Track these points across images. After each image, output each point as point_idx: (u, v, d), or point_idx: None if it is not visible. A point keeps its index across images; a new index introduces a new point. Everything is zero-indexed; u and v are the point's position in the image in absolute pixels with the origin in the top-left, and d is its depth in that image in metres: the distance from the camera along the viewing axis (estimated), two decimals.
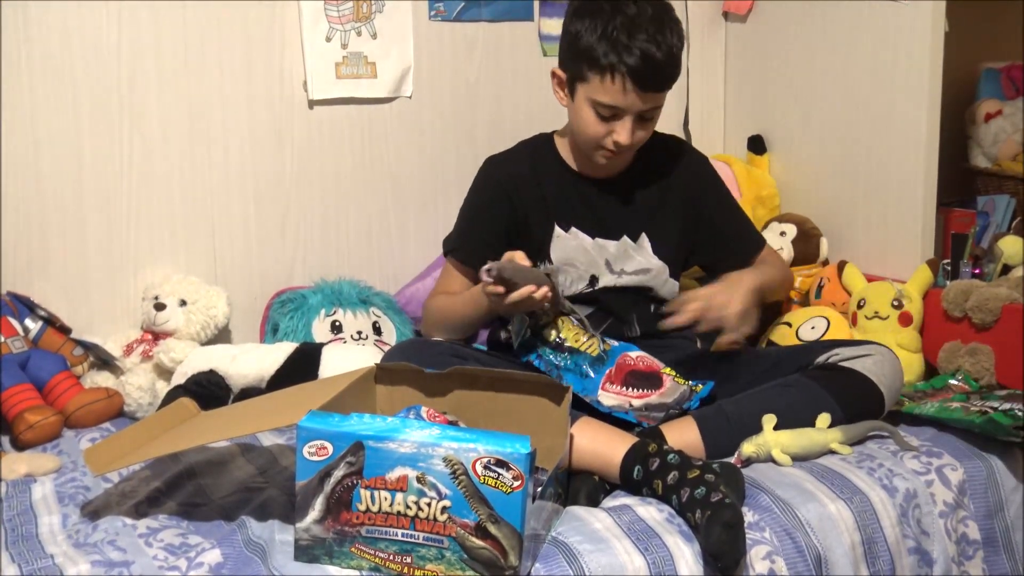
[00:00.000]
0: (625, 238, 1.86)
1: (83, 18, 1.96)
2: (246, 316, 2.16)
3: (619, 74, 1.69)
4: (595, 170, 1.86)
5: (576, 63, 1.75)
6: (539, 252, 1.84)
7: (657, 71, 1.70)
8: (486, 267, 1.56)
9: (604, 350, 1.75)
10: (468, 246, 1.89)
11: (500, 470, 1.22)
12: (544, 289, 1.62)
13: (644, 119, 1.76)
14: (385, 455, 1.24)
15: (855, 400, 1.66)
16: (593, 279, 1.86)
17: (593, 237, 1.85)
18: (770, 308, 2.18)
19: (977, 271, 2.16)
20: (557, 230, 1.86)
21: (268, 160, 2.16)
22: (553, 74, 1.83)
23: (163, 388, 1.90)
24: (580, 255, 1.86)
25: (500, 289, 1.59)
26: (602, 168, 1.84)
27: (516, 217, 1.87)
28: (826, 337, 2.00)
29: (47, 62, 1.95)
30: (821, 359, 1.72)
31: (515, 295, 1.60)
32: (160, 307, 2.01)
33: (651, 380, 1.73)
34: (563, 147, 1.91)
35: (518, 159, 1.92)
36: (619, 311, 1.88)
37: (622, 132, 1.74)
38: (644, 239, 1.87)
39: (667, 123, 2.50)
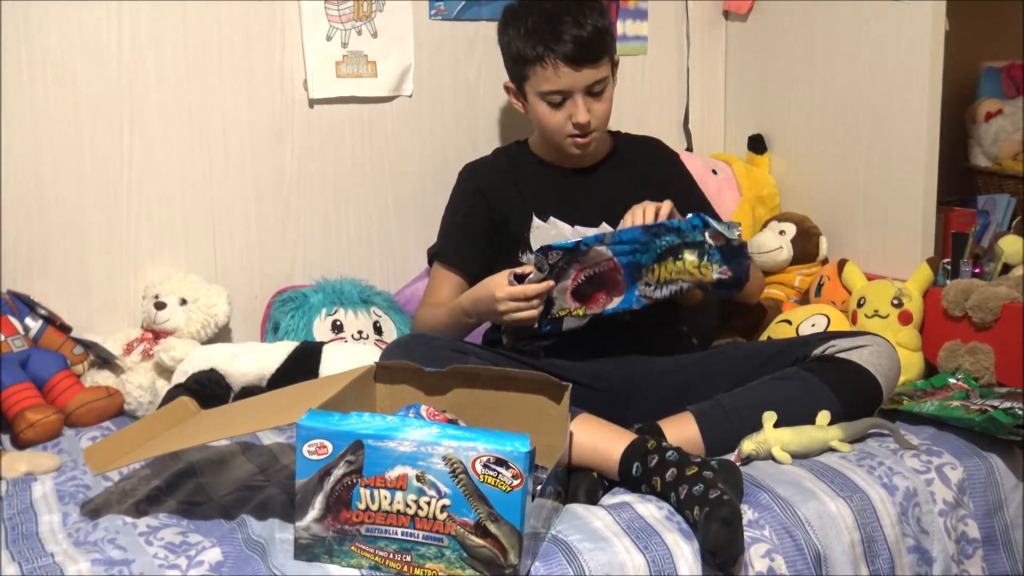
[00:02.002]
0: (604, 224, 1.90)
1: (83, 17, 1.97)
2: (247, 315, 2.16)
3: (550, 60, 1.82)
4: (570, 161, 1.95)
5: (517, 66, 1.90)
6: (519, 244, 1.90)
7: (583, 46, 1.82)
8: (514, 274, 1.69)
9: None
10: (451, 248, 1.98)
11: (499, 468, 1.22)
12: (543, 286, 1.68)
13: (594, 94, 1.87)
14: (385, 454, 1.25)
15: (853, 391, 1.66)
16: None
17: (572, 224, 1.90)
18: (752, 314, 2.20)
19: (977, 270, 2.16)
20: (536, 220, 1.93)
21: (269, 159, 2.16)
22: (506, 88, 1.97)
23: (163, 387, 1.90)
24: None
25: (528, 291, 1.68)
26: (578, 158, 1.93)
27: (494, 216, 1.95)
28: None
29: (47, 61, 1.95)
30: (818, 351, 1.72)
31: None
32: (160, 306, 2.01)
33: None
34: (537, 146, 2.02)
35: (492, 163, 2.04)
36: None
37: (577, 111, 1.85)
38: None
39: (668, 122, 2.52)
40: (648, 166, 2.01)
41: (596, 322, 1.83)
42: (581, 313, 1.74)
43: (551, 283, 1.69)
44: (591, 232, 1.85)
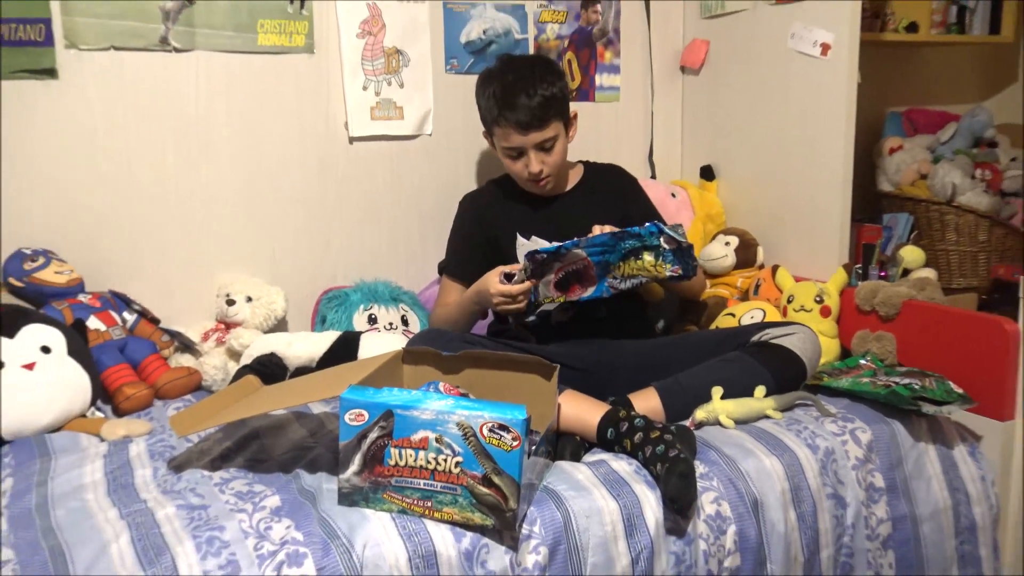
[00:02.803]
0: (577, 239, 1.89)
1: (168, 70, 1.97)
2: (300, 310, 2.16)
3: (504, 125, 1.83)
4: (545, 191, 1.94)
5: (485, 124, 1.91)
6: (509, 258, 1.90)
7: (530, 114, 1.80)
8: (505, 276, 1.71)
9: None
10: (455, 264, 2.00)
11: (502, 432, 1.22)
12: (525, 286, 1.71)
13: (544, 149, 1.86)
14: (410, 421, 1.25)
15: (783, 369, 1.66)
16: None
17: (550, 241, 1.90)
18: (703, 309, 2.20)
19: (883, 274, 2.17)
20: (520, 239, 1.93)
21: (316, 185, 2.16)
22: (484, 135, 1.97)
23: (233, 367, 1.90)
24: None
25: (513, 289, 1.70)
26: (544, 192, 1.93)
27: (487, 235, 1.96)
28: None
29: (139, 106, 1.96)
30: (756, 338, 1.72)
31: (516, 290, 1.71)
32: (231, 303, 2.02)
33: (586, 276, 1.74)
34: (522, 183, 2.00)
35: (486, 192, 2.04)
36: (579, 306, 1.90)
37: (530, 162, 1.85)
38: None
39: (636, 155, 2.53)
40: (611, 189, 2.01)
41: (579, 316, 1.84)
42: (561, 300, 1.74)
43: (532, 282, 1.70)
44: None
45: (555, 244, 1.69)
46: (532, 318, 1.77)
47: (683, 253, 1.67)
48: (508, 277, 1.72)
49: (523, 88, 1.80)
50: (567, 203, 1.97)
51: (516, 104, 1.80)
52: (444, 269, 2.03)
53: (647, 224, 1.68)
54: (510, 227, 1.95)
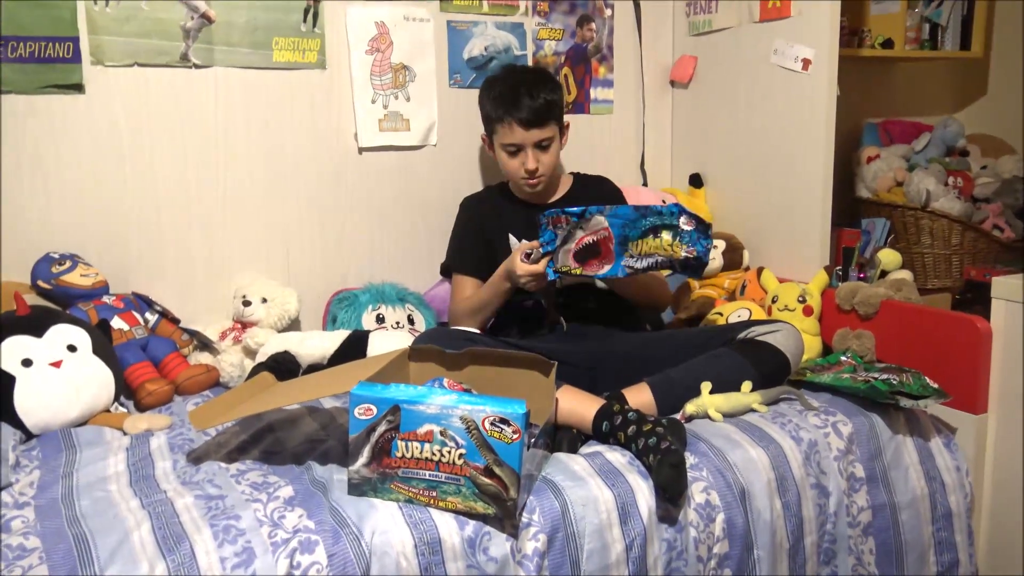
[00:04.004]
0: (602, 206, 1.87)
1: (189, 84, 1.96)
2: (312, 310, 2.15)
3: (507, 120, 1.87)
4: (536, 197, 1.96)
5: (488, 123, 1.94)
6: (500, 256, 1.89)
7: (534, 113, 1.85)
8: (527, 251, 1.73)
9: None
10: (465, 260, 2.00)
11: (503, 426, 1.21)
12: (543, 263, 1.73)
13: (542, 147, 1.89)
14: (416, 415, 1.24)
15: (768, 364, 1.65)
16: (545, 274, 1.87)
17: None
18: (693, 308, 2.18)
19: (862, 275, 2.16)
20: (512, 240, 1.94)
21: (328, 192, 2.15)
22: (482, 138, 2.01)
23: (249, 365, 1.89)
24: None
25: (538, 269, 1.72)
26: (539, 195, 1.95)
27: (484, 235, 1.99)
28: None
29: (161, 117, 1.95)
30: (742, 335, 1.71)
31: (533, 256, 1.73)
32: (247, 303, 2.00)
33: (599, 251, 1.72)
34: (513, 186, 2.02)
35: (483, 197, 2.07)
36: (571, 296, 1.91)
37: (528, 160, 1.88)
38: None
39: (628, 164, 2.52)
40: (596, 198, 1.98)
41: (569, 305, 1.83)
42: (579, 272, 1.71)
43: (546, 260, 1.71)
44: None
45: (581, 207, 1.69)
46: (556, 278, 1.74)
47: (700, 233, 1.65)
48: (528, 256, 1.73)
49: (527, 90, 1.86)
50: (560, 207, 1.95)
51: (521, 103, 1.85)
52: (453, 268, 2.02)
53: (668, 203, 1.67)
54: (504, 229, 1.97)
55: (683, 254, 1.65)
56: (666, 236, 1.66)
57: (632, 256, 1.68)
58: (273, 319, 2.00)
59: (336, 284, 2.18)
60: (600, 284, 1.90)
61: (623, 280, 1.71)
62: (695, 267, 1.67)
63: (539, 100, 1.85)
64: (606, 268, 1.69)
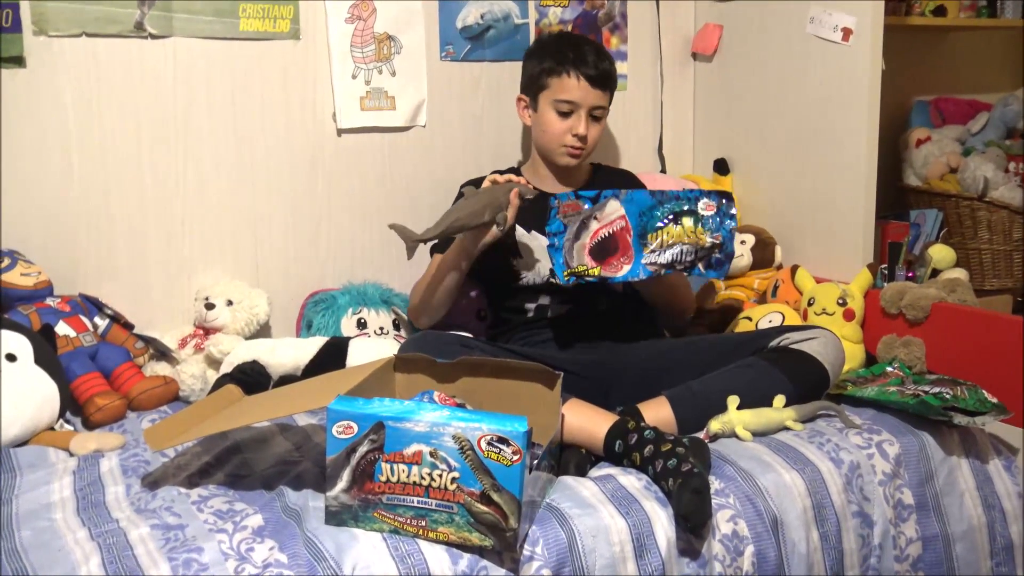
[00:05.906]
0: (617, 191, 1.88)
1: (144, 57, 1.96)
2: (284, 314, 2.15)
3: (573, 72, 1.91)
4: (553, 186, 1.97)
5: (537, 80, 1.96)
6: (507, 249, 1.92)
7: (602, 71, 1.92)
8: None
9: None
10: (448, 242, 1.94)
11: (501, 446, 1.21)
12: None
13: (595, 117, 1.94)
14: (403, 433, 1.24)
15: (804, 376, 1.65)
16: (552, 274, 1.87)
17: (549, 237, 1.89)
18: (718, 312, 2.18)
19: (910, 274, 2.16)
20: (520, 231, 1.93)
21: (303, 180, 2.15)
22: (518, 99, 2.04)
23: (212, 376, 1.89)
24: (540, 253, 1.92)
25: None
26: (562, 178, 1.98)
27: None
28: None
29: (112, 95, 1.95)
30: (774, 342, 1.71)
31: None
32: (210, 306, 2.00)
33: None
34: (528, 171, 2.04)
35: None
36: (577, 298, 1.90)
37: (579, 124, 1.91)
38: None
39: (644, 148, 2.52)
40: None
41: (577, 310, 1.84)
42: (596, 272, 1.71)
43: (530, 187, 1.80)
44: None
45: (594, 191, 1.72)
46: (568, 283, 1.74)
47: (722, 216, 1.68)
48: (521, 197, 1.78)
49: (595, 50, 1.95)
50: None
51: (588, 60, 1.92)
52: (435, 248, 1.99)
53: (686, 188, 1.70)
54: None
55: (709, 240, 1.68)
56: (687, 223, 1.69)
57: (653, 250, 1.69)
58: (240, 324, 2.00)
59: (312, 285, 2.18)
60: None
61: (647, 280, 1.72)
62: (721, 261, 1.68)
63: (605, 63, 1.94)
64: (626, 268, 1.70)
